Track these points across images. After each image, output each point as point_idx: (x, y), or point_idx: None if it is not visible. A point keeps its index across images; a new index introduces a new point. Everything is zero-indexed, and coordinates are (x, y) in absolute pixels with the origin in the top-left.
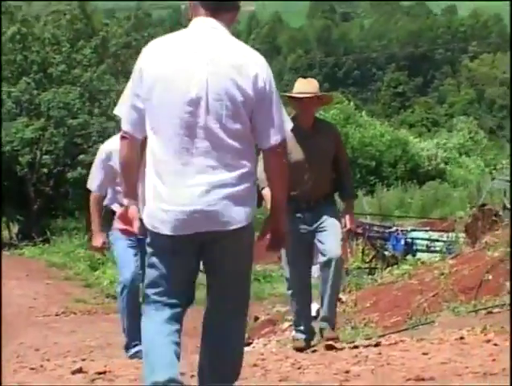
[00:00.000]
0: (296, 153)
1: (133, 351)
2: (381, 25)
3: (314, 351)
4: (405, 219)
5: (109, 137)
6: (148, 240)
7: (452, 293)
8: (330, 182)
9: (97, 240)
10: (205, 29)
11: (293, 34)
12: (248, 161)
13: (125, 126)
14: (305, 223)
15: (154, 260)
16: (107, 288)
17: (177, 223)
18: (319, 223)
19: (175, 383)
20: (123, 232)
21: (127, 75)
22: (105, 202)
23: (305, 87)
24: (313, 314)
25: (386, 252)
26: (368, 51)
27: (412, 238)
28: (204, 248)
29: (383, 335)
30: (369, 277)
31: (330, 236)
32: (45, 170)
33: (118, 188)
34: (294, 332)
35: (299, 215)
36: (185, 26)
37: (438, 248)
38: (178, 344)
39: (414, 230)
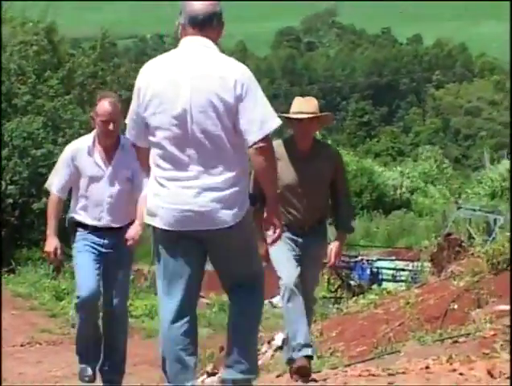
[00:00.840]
0: (288, 175)
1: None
2: (347, 54)
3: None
4: (371, 248)
5: None
6: (151, 236)
7: (418, 323)
8: (325, 209)
9: (50, 245)
10: (193, 47)
11: (258, 63)
12: (236, 166)
13: (132, 138)
14: (296, 246)
15: (158, 252)
16: (72, 318)
17: (171, 220)
18: (305, 254)
19: None
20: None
21: (93, 104)
22: (70, 213)
23: (304, 106)
24: (279, 343)
25: (352, 282)
26: (333, 80)
27: (378, 267)
28: (203, 243)
29: (349, 365)
30: (335, 306)
31: (308, 278)
32: (10, 201)
33: (83, 193)
34: (287, 353)
35: (292, 237)
36: (150, 56)
37: (403, 278)
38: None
39: (379, 259)
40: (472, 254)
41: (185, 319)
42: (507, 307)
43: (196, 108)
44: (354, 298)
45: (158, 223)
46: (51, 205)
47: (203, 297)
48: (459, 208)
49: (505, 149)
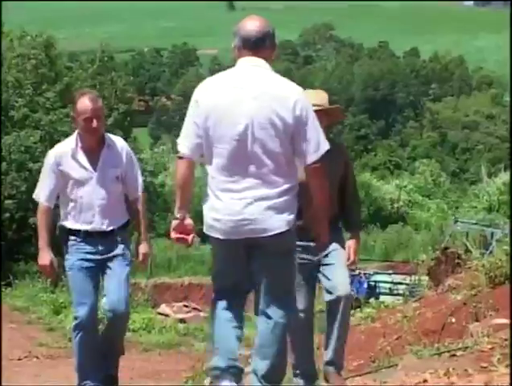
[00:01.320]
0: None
1: None
2: (344, 68)
3: None
4: (368, 262)
5: None
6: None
7: (415, 337)
8: (337, 209)
9: (45, 258)
10: (250, 67)
11: None
12: (288, 178)
13: (184, 149)
14: (309, 253)
15: (215, 259)
16: (70, 332)
17: (227, 230)
18: (324, 254)
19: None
20: (178, 240)
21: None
22: (60, 221)
23: (311, 99)
24: None
25: None
26: (330, 93)
27: (375, 281)
28: (251, 251)
29: (346, 378)
30: None
31: (337, 270)
32: (7, 215)
33: (73, 198)
34: (292, 377)
35: (302, 243)
36: (148, 70)
37: (401, 291)
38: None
39: (377, 273)
40: (470, 268)
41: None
42: (505, 321)
43: (257, 125)
44: (352, 312)
45: (215, 233)
46: (41, 216)
47: (200, 310)
48: (456, 222)
49: (502, 162)
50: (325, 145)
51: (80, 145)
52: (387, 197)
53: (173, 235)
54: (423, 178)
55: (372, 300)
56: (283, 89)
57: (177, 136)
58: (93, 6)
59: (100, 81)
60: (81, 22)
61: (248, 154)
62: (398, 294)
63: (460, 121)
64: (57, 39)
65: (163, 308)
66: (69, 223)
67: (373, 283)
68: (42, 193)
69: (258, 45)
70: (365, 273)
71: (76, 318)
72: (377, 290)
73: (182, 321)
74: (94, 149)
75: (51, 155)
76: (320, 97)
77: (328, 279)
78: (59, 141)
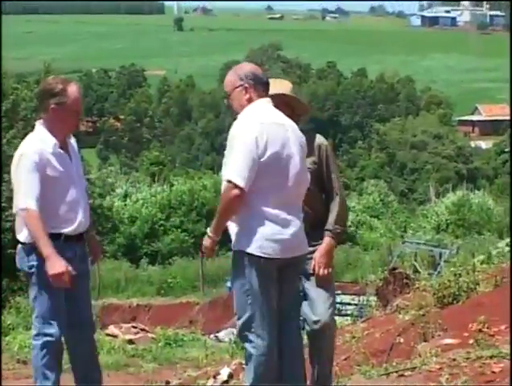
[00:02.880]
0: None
1: None
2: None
3: None
4: None
5: None
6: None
7: (364, 357)
8: (319, 211)
9: (59, 265)
10: (270, 105)
11: (203, 97)
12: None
13: (240, 182)
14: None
15: (252, 280)
16: (17, 353)
17: (276, 249)
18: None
19: None
20: (206, 254)
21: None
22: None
23: (272, 87)
24: (225, 377)
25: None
26: None
27: None
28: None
29: None
30: None
31: (318, 294)
32: None
33: (56, 197)
34: None
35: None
36: (96, 91)
37: (349, 312)
38: None
39: None
40: (418, 288)
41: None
42: (452, 341)
43: (299, 156)
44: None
45: (267, 253)
46: (38, 222)
47: (148, 331)
48: (404, 242)
49: (450, 182)
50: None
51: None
52: None
53: (208, 252)
54: (371, 198)
55: None
56: (296, 125)
57: (126, 157)
58: (42, 28)
59: None
60: (29, 43)
61: (295, 183)
62: (346, 315)
63: (409, 141)
64: (5, 59)
65: (112, 329)
66: (48, 228)
67: None
68: (30, 199)
69: (268, 87)
70: None
71: (46, 335)
72: None
73: (130, 342)
74: (65, 143)
75: (31, 154)
76: (283, 85)
77: (309, 303)
78: (7, 164)
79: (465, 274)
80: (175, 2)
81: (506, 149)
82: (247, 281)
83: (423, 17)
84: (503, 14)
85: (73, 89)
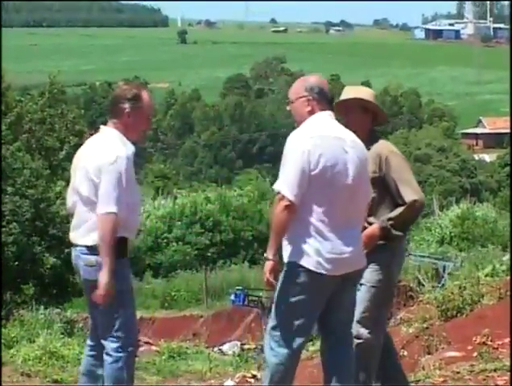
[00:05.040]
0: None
1: None
2: None
3: None
4: None
5: (24, 217)
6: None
7: None
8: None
9: (112, 283)
10: (333, 119)
11: (206, 110)
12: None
13: (292, 197)
14: None
15: (302, 293)
16: (21, 366)
17: (331, 266)
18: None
19: None
20: (269, 284)
21: (42, 151)
22: (120, 233)
23: (348, 92)
24: None
25: None
26: (280, 126)
27: None
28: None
29: None
30: None
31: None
32: None
33: (129, 200)
34: None
35: None
36: (100, 104)
37: None
38: None
39: None
40: (422, 301)
41: None
42: (456, 354)
43: (358, 172)
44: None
45: (321, 269)
46: (115, 230)
47: (151, 344)
48: (408, 255)
49: (453, 195)
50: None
51: None
52: None
53: (267, 277)
54: None
55: None
56: (358, 139)
57: None
58: (45, 41)
59: (50, 114)
60: (33, 56)
61: (352, 198)
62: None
63: (413, 154)
64: (9, 71)
65: None
66: (126, 233)
67: None
68: (118, 204)
69: (331, 101)
70: None
71: (128, 346)
72: None
73: None
74: None
75: (126, 157)
76: (365, 92)
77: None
78: (12, 176)
79: (469, 287)
80: (178, 15)
81: (510, 162)
82: (291, 292)
83: (426, 30)
84: (507, 26)
85: (146, 95)
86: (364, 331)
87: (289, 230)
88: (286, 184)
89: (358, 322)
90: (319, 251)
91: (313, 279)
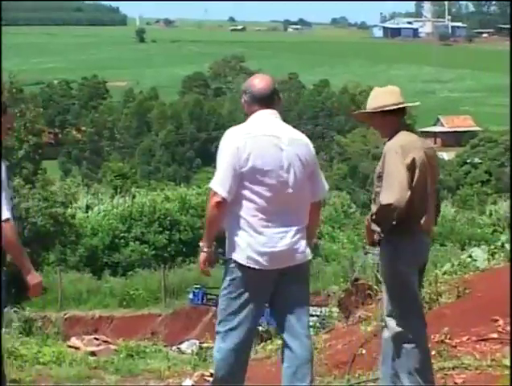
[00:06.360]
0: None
1: None
2: None
3: None
4: None
5: None
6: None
7: (326, 368)
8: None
9: None
10: (273, 118)
11: (164, 109)
12: (306, 217)
13: (223, 192)
14: None
15: (241, 290)
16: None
17: (265, 261)
18: None
19: None
20: (204, 272)
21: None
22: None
23: (370, 99)
24: None
25: (260, 327)
26: (237, 124)
27: None
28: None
29: None
30: None
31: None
32: None
33: None
34: None
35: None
36: (58, 103)
37: (311, 323)
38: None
39: None
40: (380, 299)
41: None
42: None
43: (295, 169)
44: (262, 344)
45: (255, 264)
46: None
47: (110, 343)
48: (366, 253)
49: None
50: (327, 185)
51: None
52: None
53: (203, 266)
54: (333, 209)
55: None
56: (302, 136)
57: (88, 169)
58: (5, 40)
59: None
60: None
61: (287, 194)
62: (308, 326)
63: (371, 152)
64: None
65: (74, 341)
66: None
67: None
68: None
69: (272, 100)
70: None
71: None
72: None
73: (92, 354)
74: None
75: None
76: (398, 94)
77: None
78: None
79: (428, 285)
80: (137, 14)
81: (468, 160)
82: (229, 288)
83: (384, 28)
84: (465, 25)
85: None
86: (391, 323)
87: (226, 226)
88: (217, 181)
89: (386, 315)
90: (251, 245)
91: (246, 273)
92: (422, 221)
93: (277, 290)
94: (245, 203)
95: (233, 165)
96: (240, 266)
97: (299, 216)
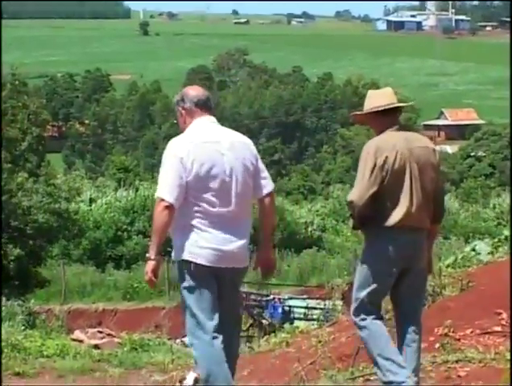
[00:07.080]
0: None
1: None
2: (256, 92)
3: None
4: (282, 287)
5: None
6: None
7: (330, 361)
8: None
9: None
10: (211, 124)
11: (167, 102)
12: (250, 220)
13: (169, 199)
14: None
15: (194, 285)
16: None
17: (211, 258)
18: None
19: None
20: (150, 282)
21: (4, 143)
22: None
23: (381, 99)
24: (190, 383)
25: (264, 321)
26: (241, 118)
27: (290, 306)
28: (222, 280)
29: None
30: (247, 345)
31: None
32: None
33: None
34: None
35: None
36: (62, 96)
37: (315, 316)
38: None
39: (291, 298)
40: None
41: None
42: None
43: (237, 171)
44: (266, 337)
45: (200, 260)
46: None
47: (114, 336)
48: None
49: None
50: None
51: None
52: (301, 222)
53: (151, 275)
54: (337, 202)
55: (286, 325)
56: (242, 138)
57: (91, 162)
58: (8, 33)
59: (12, 105)
60: None
61: (231, 195)
62: (312, 319)
63: None
64: None
65: (77, 334)
66: None
67: (287, 308)
68: None
69: (208, 105)
70: (279, 298)
71: None
72: (292, 315)
73: (96, 347)
74: None
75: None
76: (391, 95)
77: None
78: None
79: (431, 278)
80: (140, 7)
81: (472, 154)
82: (183, 286)
83: (388, 21)
84: (468, 18)
85: None
86: (355, 319)
87: (173, 231)
88: (164, 188)
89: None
90: (197, 241)
91: (189, 268)
92: (399, 217)
93: (219, 292)
94: (190, 207)
95: (179, 174)
96: (186, 263)
97: (244, 218)
